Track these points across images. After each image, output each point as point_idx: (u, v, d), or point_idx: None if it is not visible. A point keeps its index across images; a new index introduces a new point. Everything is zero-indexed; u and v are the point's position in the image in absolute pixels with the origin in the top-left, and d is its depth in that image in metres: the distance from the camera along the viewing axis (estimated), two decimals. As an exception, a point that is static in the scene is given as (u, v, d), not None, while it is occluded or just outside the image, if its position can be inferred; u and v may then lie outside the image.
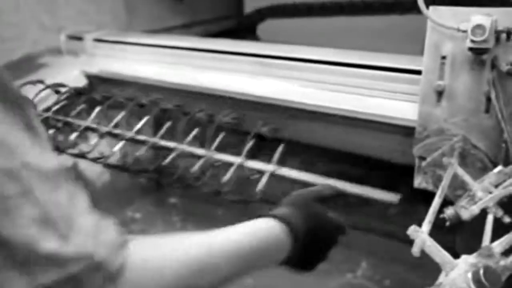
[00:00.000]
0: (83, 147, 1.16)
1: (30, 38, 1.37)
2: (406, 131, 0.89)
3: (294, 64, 1.05)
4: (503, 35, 0.73)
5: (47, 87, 1.21)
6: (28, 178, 0.37)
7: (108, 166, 1.16)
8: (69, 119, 1.17)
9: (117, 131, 1.12)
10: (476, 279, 0.55)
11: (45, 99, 1.22)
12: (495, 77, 0.76)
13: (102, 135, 1.14)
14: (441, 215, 0.72)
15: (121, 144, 1.12)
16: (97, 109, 1.16)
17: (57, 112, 1.19)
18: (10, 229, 0.35)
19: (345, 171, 1.32)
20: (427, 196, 0.77)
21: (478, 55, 0.76)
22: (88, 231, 0.39)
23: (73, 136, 1.15)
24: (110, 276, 0.39)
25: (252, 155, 1.03)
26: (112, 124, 1.13)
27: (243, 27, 1.92)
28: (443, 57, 0.80)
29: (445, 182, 0.74)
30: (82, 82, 1.34)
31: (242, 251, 0.54)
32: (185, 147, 1.07)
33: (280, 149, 0.99)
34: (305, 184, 0.86)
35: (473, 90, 0.79)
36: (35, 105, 1.14)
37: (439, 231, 0.69)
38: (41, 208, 0.37)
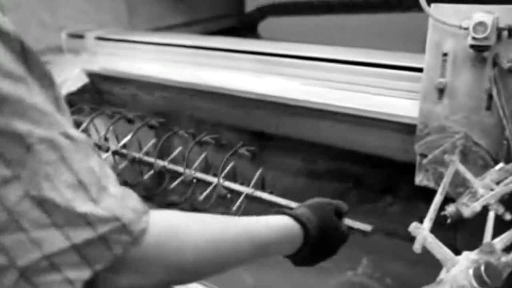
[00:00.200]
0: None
1: (30, 37, 1.37)
2: (408, 129, 0.89)
3: (296, 62, 1.05)
4: (505, 33, 0.73)
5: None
6: (65, 147, 0.40)
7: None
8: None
9: (124, 150, 1.12)
10: (478, 276, 0.55)
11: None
12: (496, 75, 0.76)
13: (109, 153, 1.11)
14: (442, 212, 0.72)
15: (125, 163, 1.10)
16: (110, 127, 1.15)
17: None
18: (50, 191, 0.38)
19: (345, 169, 1.32)
20: (428, 194, 0.77)
21: (480, 52, 0.76)
22: (116, 197, 0.43)
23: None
24: (134, 238, 0.42)
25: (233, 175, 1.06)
26: (121, 144, 1.12)
27: (244, 25, 1.92)
28: (445, 55, 0.80)
29: (446, 179, 0.74)
30: (83, 80, 1.34)
31: (258, 238, 0.57)
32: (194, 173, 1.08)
33: (258, 173, 1.03)
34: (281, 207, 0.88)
35: (475, 88, 0.79)
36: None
37: (440, 229, 0.70)
38: (76, 174, 0.40)
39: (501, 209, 0.70)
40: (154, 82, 1.20)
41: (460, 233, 0.91)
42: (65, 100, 0.46)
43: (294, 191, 1.36)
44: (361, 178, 1.32)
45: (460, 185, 0.79)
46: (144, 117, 1.14)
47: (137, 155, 1.09)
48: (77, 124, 1.17)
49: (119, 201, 0.43)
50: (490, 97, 0.78)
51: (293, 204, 0.89)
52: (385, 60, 0.95)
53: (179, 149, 1.14)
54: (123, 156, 1.11)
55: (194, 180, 1.05)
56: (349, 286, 1.08)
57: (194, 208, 1.01)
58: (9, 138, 0.37)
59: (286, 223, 0.63)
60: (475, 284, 0.56)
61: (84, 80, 1.33)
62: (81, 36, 1.39)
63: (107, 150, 1.11)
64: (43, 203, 0.38)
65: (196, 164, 1.11)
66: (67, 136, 0.41)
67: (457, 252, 0.63)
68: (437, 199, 0.70)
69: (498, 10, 0.73)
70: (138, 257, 0.44)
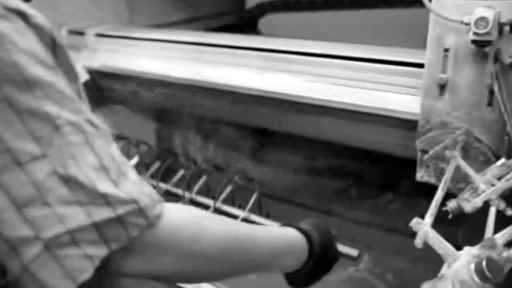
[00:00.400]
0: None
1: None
2: (409, 125, 0.89)
3: (298, 58, 1.04)
4: (506, 28, 0.73)
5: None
6: (89, 132, 0.43)
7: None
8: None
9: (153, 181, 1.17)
10: (479, 271, 0.55)
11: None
12: (498, 70, 0.76)
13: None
14: (444, 208, 0.72)
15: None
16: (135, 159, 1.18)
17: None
18: (75, 170, 0.41)
19: (346, 166, 1.32)
20: (429, 190, 0.77)
21: (481, 47, 0.76)
22: (135, 183, 0.45)
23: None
24: (149, 223, 0.44)
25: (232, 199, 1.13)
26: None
27: (244, 22, 1.92)
28: (446, 50, 0.80)
29: (447, 175, 0.74)
30: (83, 77, 1.34)
31: (271, 242, 0.59)
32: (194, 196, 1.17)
33: (253, 197, 1.08)
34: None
35: (476, 83, 0.78)
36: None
37: (441, 224, 0.70)
38: (99, 157, 0.43)
39: (502, 205, 0.70)
40: (154, 78, 1.20)
41: (462, 228, 0.91)
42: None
43: (294, 188, 1.36)
44: (361, 174, 1.32)
45: (461, 181, 0.79)
46: (195, 162, 1.21)
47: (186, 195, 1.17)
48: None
49: (137, 187, 0.45)
50: (491, 92, 0.78)
51: None
52: (387, 56, 0.94)
53: (181, 173, 1.20)
54: (172, 195, 1.19)
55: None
56: (351, 282, 1.08)
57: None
58: (40, 118, 0.40)
59: (293, 234, 0.64)
60: (476, 279, 0.56)
61: (85, 76, 1.33)
62: (81, 33, 1.39)
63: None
64: (68, 181, 0.41)
65: (196, 187, 1.18)
66: (91, 123, 0.44)
67: (459, 247, 0.63)
68: (438, 194, 0.70)
69: (499, 5, 0.73)
70: (152, 242, 0.45)
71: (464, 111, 0.81)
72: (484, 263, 0.55)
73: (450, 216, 0.72)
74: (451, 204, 0.73)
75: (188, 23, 1.75)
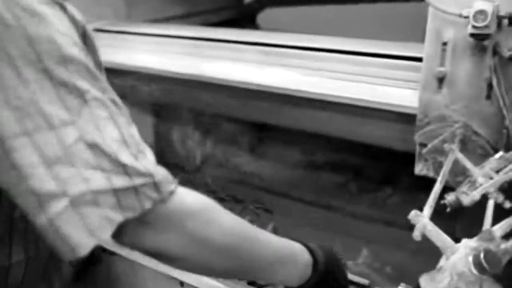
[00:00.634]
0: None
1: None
2: (407, 119, 0.89)
3: (297, 52, 1.04)
4: (505, 21, 0.73)
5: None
6: (113, 110, 0.47)
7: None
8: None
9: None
10: (477, 263, 0.56)
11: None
12: (496, 63, 0.76)
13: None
14: (442, 201, 0.73)
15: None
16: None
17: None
18: (99, 139, 0.45)
19: (345, 160, 1.32)
20: (427, 184, 0.77)
21: (480, 41, 0.76)
22: (151, 161, 0.49)
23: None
24: (162, 198, 0.48)
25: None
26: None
27: (243, 17, 1.91)
28: (444, 44, 0.80)
29: (446, 168, 0.75)
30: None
31: (278, 248, 0.61)
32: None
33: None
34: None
35: (474, 77, 0.78)
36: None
37: (440, 218, 0.70)
38: (121, 132, 0.47)
39: (500, 198, 0.71)
40: (153, 73, 1.20)
41: (460, 222, 0.91)
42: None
43: (293, 182, 1.37)
44: (360, 169, 1.32)
45: (459, 174, 0.79)
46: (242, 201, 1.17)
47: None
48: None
49: (154, 164, 0.49)
50: (490, 86, 0.78)
51: None
52: (385, 50, 0.94)
53: None
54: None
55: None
56: (350, 276, 1.08)
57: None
58: (71, 90, 0.45)
59: (299, 247, 0.64)
60: (474, 271, 0.56)
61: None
62: (79, 28, 1.38)
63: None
64: (93, 148, 0.44)
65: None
66: (114, 103, 0.48)
67: (457, 240, 0.63)
68: (437, 187, 0.70)
69: (498, -2, 0.73)
70: (163, 218, 0.48)
71: (463, 104, 0.81)
72: (482, 255, 0.55)
73: (448, 209, 0.73)
74: (450, 197, 0.73)
75: (186, 18, 1.75)
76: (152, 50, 1.24)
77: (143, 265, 0.71)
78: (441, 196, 0.73)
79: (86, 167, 0.44)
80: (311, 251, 0.65)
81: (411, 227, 0.67)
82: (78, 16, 0.50)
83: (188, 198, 0.51)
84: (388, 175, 1.27)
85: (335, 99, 0.95)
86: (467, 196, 0.71)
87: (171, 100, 1.29)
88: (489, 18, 0.71)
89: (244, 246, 0.56)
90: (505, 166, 0.73)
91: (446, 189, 0.75)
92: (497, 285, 0.58)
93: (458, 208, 0.72)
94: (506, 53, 0.74)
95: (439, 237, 0.61)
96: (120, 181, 0.45)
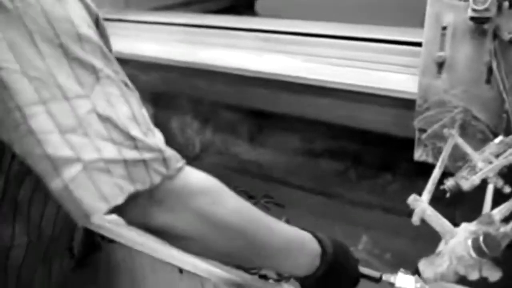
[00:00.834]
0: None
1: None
2: (407, 104, 0.88)
3: (295, 38, 1.03)
4: (505, 4, 0.72)
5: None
6: (125, 90, 0.48)
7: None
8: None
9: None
10: (476, 246, 0.56)
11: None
12: (496, 47, 0.75)
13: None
14: (442, 186, 0.72)
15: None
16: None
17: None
18: (111, 113, 0.46)
19: (344, 147, 1.32)
20: (427, 171, 0.77)
21: (480, 24, 0.75)
22: (161, 138, 0.51)
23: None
24: (170, 174, 0.49)
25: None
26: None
27: (241, 4, 1.90)
28: (444, 28, 0.79)
29: (445, 153, 0.74)
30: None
31: (286, 231, 0.60)
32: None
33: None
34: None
35: (474, 61, 0.78)
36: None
37: (439, 205, 0.70)
38: (132, 110, 0.48)
39: (500, 182, 0.70)
40: (151, 62, 1.19)
41: (460, 208, 0.91)
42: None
43: (293, 170, 1.36)
44: (360, 156, 1.32)
45: (459, 159, 0.79)
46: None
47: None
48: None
49: (163, 142, 0.50)
50: (490, 70, 0.77)
51: None
52: (384, 35, 0.94)
53: None
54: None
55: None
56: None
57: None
58: (85, 67, 0.46)
59: (307, 235, 0.63)
60: (473, 254, 0.56)
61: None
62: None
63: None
64: (105, 121, 0.46)
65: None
66: (126, 85, 0.50)
67: (457, 226, 0.63)
68: (436, 172, 0.70)
69: (498, -20, 0.72)
70: (172, 194, 0.49)
71: (462, 89, 0.80)
72: (481, 238, 0.55)
73: (447, 194, 0.72)
74: (449, 183, 0.73)
75: (185, 6, 1.73)
76: (150, 38, 1.23)
77: (142, 252, 0.71)
78: (441, 181, 0.73)
79: (98, 138, 0.45)
80: (319, 241, 0.64)
81: (410, 213, 0.66)
82: (92, 5, 0.52)
83: (197, 176, 0.52)
84: (388, 162, 1.27)
85: (334, 85, 0.95)
86: (467, 181, 0.71)
87: (169, 88, 1.28)
88: (489, 1, 0.71)
89: (251, 228, 0.55)
90: (505, 151, 0.72)
91: (446, 174, 0.75)
92: (496, 268, 0.58)
93: (458, 193, 0.72)
94: (507, 36, 0.73)
95: (438, 221, 0.61)
96: (130, 154, 0.46)
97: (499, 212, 0.60)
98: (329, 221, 1.14)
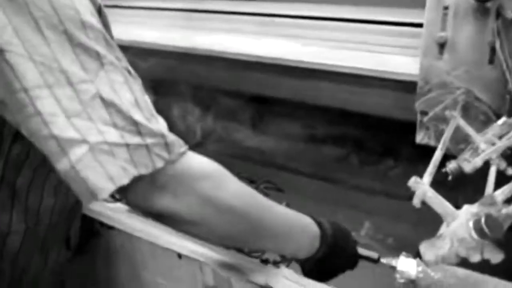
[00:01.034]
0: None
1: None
2: (409, 86, 0.87)
3: (294, 21, 1.02)
4: (508, -19, 0.71)
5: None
6: (128, 77, 0.49)
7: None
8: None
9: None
10: (478, 228, 0.55)
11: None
12: (499, 26, 0.73)
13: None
14: (444, 169, 0.71)
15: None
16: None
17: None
18: (115, 99, 0.47)
19: (345, 133, 1.31)
20: (430, 155, 0.75)
21: (482, 3, 0.73)
22: (163, 124, 0.52)
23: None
24: (173, 158, 0.50)
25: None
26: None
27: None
28: (446, 8, 0.77)
29: (447, 135, 0.73)
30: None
31: (288, 216, 0.61)
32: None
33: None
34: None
35: (477, 41, 0.76)
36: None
37: (442, 189, 0.69)
38: (134, 96, 0.49)
39: (503, 164, 0.69)
40: (150, 48, 1.18)
41: (463, 192, 0.90)
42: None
43: (295, 156, 1.36)
44: (362, 141, 1.31)
45: (461, 142, 0.78)
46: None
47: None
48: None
49: (165, 128, 0.51)
50: (492, 50, 0.76)
51: None
52: (384, 17, 0.92)
53: None
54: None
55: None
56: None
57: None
58: (89, 53, 0.47)
59: (306, 218, 0.64)
60: (475, 236, 0.55)
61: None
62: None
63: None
64: (109, 106, 0.47)
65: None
66: (129, 72, 0.51)
67: (459, 209, 0.62)
68: (437, 154, 0.69)
69: (501, -43, 0.70)
70: (175, 178, 0.50)
71: (465, 69, 0.79)
72: (482, 220, 0.54)
73: (450, 177, 0.71)
74: (451, 165, 0.72)
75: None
76: (147, 23, 1.22)
77: (141, 238, 0.71)
78: (443, 164, 0.72)
79: (101, 122, 0.47)
80: (319, 224, 0.65)
81: (412, 198, 0.65)
82: None
83: (199, 161, 0.53)
84: (390, 147, 1.25)
85: (334, 69, 0.93)
86: (469, 163, 0.70)
87: (169, 75, 1.27)
88: (491, -22, 0.69)
89: (253, 211, 0.56)
90: (508, 132, 0.71)
91: (449, 157, 0.74)
92: (498, 250, 0.57)
93: (461, 176, 0.71)
94: (510, 15, 0.71)
95: (440, 203, 0.60)
96: (132, 139, 0.47)
97: (501, 193, 0.59)
98: (332, 207, 1.13)
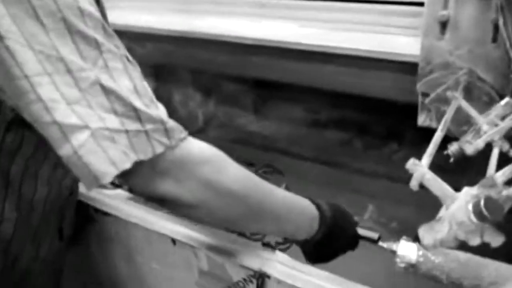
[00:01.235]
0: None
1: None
2: (410, 68, 0.85)
3: (293, 3, 1.00)
4: (512, -45, 0.68)
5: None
6: (127, 65, 0.50)
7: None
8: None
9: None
10: (477, 211, 0.53)
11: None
12: (503, 3, 0.71)
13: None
14: (445, 152, 0.70)
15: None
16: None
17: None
18: (114, 86, 0.48)
19: (349, 117, 1.29)
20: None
21: (485, -21, 0.71)
22: (163, 111, 0.52)
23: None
24: (173, 144, 0.50)
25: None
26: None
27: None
28: (447, -15, 0.75)
29: (448, 115, 0.71)
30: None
31: (287, 198, 0.62)
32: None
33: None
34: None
35: (480, 19, 0.74)
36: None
37: (446, 173, 0.67)
38: (134, 84, 0.49)
39: (506, 146, 0.67)
40: (147, 32, 1.17)
41: (466, 177, 0.88)
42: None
43: (298, 141, 1.34)
44: (365, 125, 1.29)
45: (464, 123, 0.76)
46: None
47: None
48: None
49: (165, 114, 0.51)
50: (496, 28, 0.73)
51: None
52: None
53: None
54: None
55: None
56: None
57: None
58: (88, 41, 0.47)
59: (305, 200, 0.65)
60: (474, 219, 0.54)
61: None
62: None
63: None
64: (108, 93, 0.47)
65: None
66: (128, 59, 0.51)
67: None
68: (437, 135, 0.67)
69: None
70: (176, 163, 0.51)
71: (467, 49, 0.76)
72: (482, 202, 0.53)
73: (451, 160, 0.70)
74: (453, 147, 0.70)
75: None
76: (144, 7, 1.20)
77: (135, 224, 0.71)
78: (444, 146, 0.71)
79: (101, 109, 0.47)
80: (317, 206, 0.65)
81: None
82: None
83: (199, 146, 0.53)
84: (394, 130, 1.24)
85: (333, 51, 0.91)
86: (471, 145, 0.68)
87: (168, 60, 1.26)
88: (494, -48, 0.67)
89: (252, 194, 0.57)
90: (511, 113, 0.69)
91: (451, 140, 0.72)
92: (499, 233, 0.55)
93: (464, 160, 0.70)
94: (513, -9, 0.69)
95: (438, 186, 0.59)
96: (132, 125, 0.48)
97: (502, 175, 0.58)
98: (335, 191, 1.12)
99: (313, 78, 1.04)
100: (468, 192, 0.57)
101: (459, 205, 0.56)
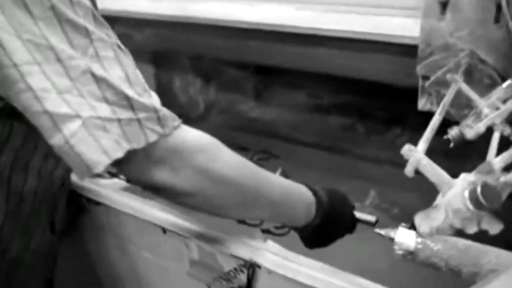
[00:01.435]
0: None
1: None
2: (410, 50, 0.82)
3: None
4: None
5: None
6: (119, 53, 0.49)
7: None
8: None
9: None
10: (474, 198, 0.52)
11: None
12: (505, -19, 0.68)
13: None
14: (445, 136, 0.68)
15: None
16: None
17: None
18: (106, 74, 0.47)
19: (351, 102, 1.27)
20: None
21: (487, -44, 0.68)
22: (156, 99, 0.53)
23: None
24: (166, 132, 0.50)
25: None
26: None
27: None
28: (448, -37, 0.72)
29: (447, 99, 0.69)
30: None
31: (283, 185, 0.62)
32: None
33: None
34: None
35: (481, -2, 0.71)
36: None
37: (446, 158, 0.66)
38: (126, 72, 0.49)
39: (507, 130, 0.65)
40: (144, 18, 1.15)
41: (467, 163, 0.86)
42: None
43: (301, 127, 1.33)
44: (368, 110, 1.27)
45: (465, 107, 0.74)
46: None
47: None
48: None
49: (158, 102, 0.51)
50: (498, 8, 0.71)
51: None
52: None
53: None
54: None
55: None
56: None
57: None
58: (78, 30, 0.47)
59: (301, 186, 0.65)
60: (471, 207, 0.52)
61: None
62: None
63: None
64: (99, 81, 0.47)
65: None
66: (120, 48, 0.50)
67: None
68: (435, 119, 0.65)
69: None
70: (170, 151, 0.51)
71: (468, 30, 0.74)
72: (479, 189, 0.51)
73: (451, 144, 0.68)
74: (453, 132, 0.68)
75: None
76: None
77: (127, 213, 0.71)
78: (444, 131, 0.69)
79: (92, 98, 0.47)
80: (314, 192, 0.65)
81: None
82: None
83: (193, 134, 0.53)
84: (396, 115, 1.22)
85: (330, 33, 0.90)
86: (471, 129, 0.66)
87: (165, 46, 1.25)
88: None
89: (248, 181, 0.57)
90: (513, 95, 0.67)
91: (452, 124, 0.70)
92: (497, 220, 0.54)
93: (463, 143, 0.68)
94: (516, -32, 0.66)
95: (434, 172, 0.57)
96: (124, 114, 0.48)
97: (501, 160, 0.56)
98: (336, 177, 1.12)
99: (310, 62, 1.03)
100: (465, 179, 0.55)
101: (456, 192, 0.54)
